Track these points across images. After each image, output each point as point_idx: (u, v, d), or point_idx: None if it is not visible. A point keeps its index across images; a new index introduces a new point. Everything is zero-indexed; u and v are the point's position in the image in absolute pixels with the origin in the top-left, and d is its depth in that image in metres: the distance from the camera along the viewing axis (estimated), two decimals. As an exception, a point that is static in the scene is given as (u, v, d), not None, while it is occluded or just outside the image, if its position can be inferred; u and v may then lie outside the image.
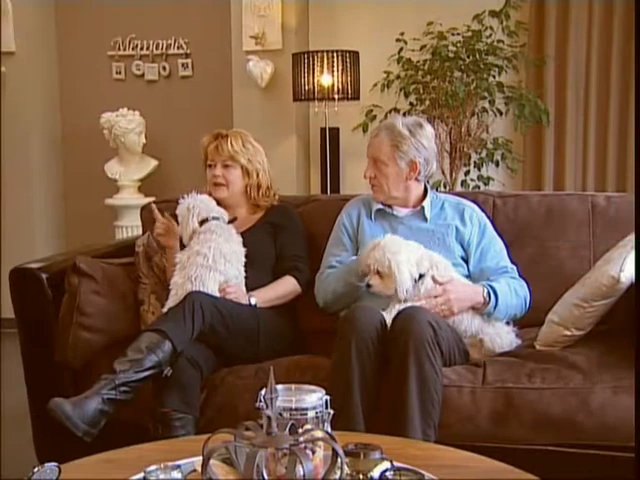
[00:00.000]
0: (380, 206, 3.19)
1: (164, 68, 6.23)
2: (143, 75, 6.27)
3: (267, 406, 1.66)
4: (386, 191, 3.14)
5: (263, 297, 3.12)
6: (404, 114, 4.85)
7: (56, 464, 1.74)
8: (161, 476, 1.76)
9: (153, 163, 5.97)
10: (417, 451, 2.09)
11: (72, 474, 1.80)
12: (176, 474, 1.78)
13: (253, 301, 3.08)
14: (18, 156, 6.11)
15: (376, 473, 1.76)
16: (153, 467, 1.79)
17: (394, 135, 3.09)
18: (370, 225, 3.18)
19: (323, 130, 5.45)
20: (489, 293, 2.92)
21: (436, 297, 2.85)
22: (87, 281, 3.10)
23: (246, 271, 3.16)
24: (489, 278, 3.00)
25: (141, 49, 6.26)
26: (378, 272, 2.83)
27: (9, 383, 3.83)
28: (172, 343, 2.72)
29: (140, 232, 3.93)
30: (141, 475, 1.80)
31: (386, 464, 1.78)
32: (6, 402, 4.14)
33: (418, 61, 5.32)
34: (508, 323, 3.00)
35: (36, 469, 1.72)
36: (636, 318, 2.54)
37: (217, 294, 3.03)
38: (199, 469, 1.81)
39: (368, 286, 2.87)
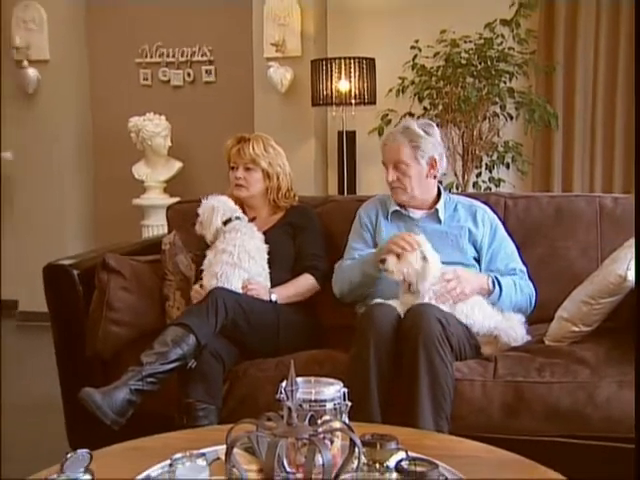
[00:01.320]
0: (397, 207, 3.18)
1: (189, 74, 6.25)
2: (169, 81, 6.30)
3: (288, 398, 1.66)
4: (409, 191, 3.11)
5: (283, 294, 3.13)
6: (418, 118, 4.85)
7: (87, 450, 1.75)
8: (187, 463, 1.77)
9: (178, 165, 5.99)
10: (432, 442, 2.10)
11: (103, 460, 1.81)
12: (201, 462, 1.78)
13: (274, 297, 3.08)
14: (50, 158, 6.16)
15: (392, 462, 1.76)
16: (179, 455, 1.80)
17: (412, 136, 3.09)
18: (386, 225, 3.18)
19: (340, 133, 5.46)
20: (494, 282, 2.95)
21: (448, 282, 2.85)
22: (116, 277, 3.12)
23: (270, 269, 3.18)
24: None
25: (167, 56, 6.29)
26: (398, 255, 2.81)
27: (42, 373, 3.86)
28: (196, 337, 2.73)
29: (165, 231, 3.94)
30: (167, 462, 1.81)
31: (401, 454, 1.78)
32: (39, 391, 4.18)
33: (432, 67, 5.31)
34: (526, 321, 3.00)
35: (69, 455, 1.73)
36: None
37: (240, 291, 3.04)
38: (223, 457, 1.82)
39: (381, 262, 2.82)
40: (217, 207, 3.22)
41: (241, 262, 3.08)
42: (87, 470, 1.73)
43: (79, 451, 1.74)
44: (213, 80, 6.22)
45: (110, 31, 6.34)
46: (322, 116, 5.76)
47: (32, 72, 6.04)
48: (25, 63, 6.03)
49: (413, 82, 5.31)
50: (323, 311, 3.27)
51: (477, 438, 2.12)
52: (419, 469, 1.69)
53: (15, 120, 6.20)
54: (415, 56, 5.37)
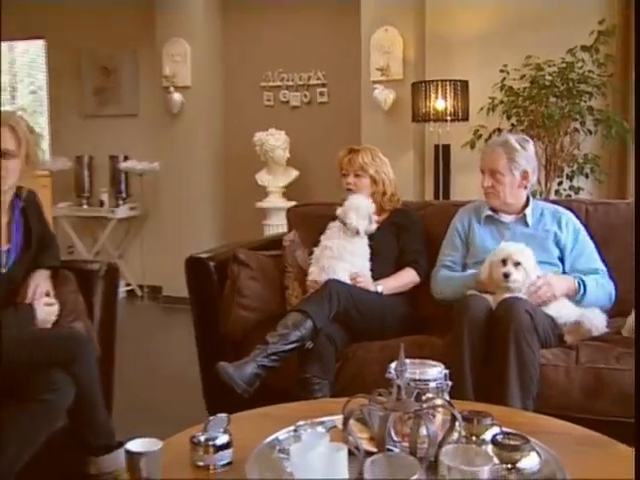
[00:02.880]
0: (489, 213, 3.13)
1: (305, 96, 6.28)
2: (288, 102, 6.33)
3: (397, 377, 1.66)
4: (502, 197, 3.07)
5: (388, 285, 3.12)
6: (511, 130, 4.77)
7: (227, 414, 1.79)
8: (308, 429, 1.78)
9: (295, 173, 6.02)
10: (521, 419, 2.06)
11: (237, 423, 1.84)
12: (320, 428, 1.80)
13: (379, 289, 3.08)
14: (190, 167, 6.31)
15: (487, 436, 1.74)
16: (302, 422, 1.82)
17: (509, 149, 3.04)
18: (480, 229, 3.13)
19: (437, 146, 5.39)
20: (579, 284, 2.87)
21: (539, 288, 2.78)
22: (245, 269, 3.17)
23: (373, 263, 3.16)
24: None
25: (287, 81, 6.33)
26: (518, 264, 2.77)
27: (184, 349, 3.96)
28: (313, 322, 2.76)
29: (283, 230, 3.98)
30: (292, 428, 1.83)
31: (496, 429, 1.76)
32: (180, 364, 4.28)
33: (519, 88, 5.20)
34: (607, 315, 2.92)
35: (211, 418, 1.77)
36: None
37: (348, 281, 3.04)
38: (339, 426, 1.83)
39: (505, 276, 2.75)
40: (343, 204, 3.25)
41: (342, 256, 3.10)
42: (226, 431, 1.76)
43: (219, 415, 1.78)
44: (326, 101, 6.23)
45: (240, 61, 6.44)
46: (420, 131, 5.71)
47: (177, 96, 6.21)
48: (172, 89, 6.21)
49: (502, 101, 5.22)
50: (422, 301, 3.22)
51: (559, 416, 2.09)
52: (512, 442, 1.66)
53: (163, 136, 6.40)
54: (504, 78, 5.26)
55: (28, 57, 10.06)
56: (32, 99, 10.30)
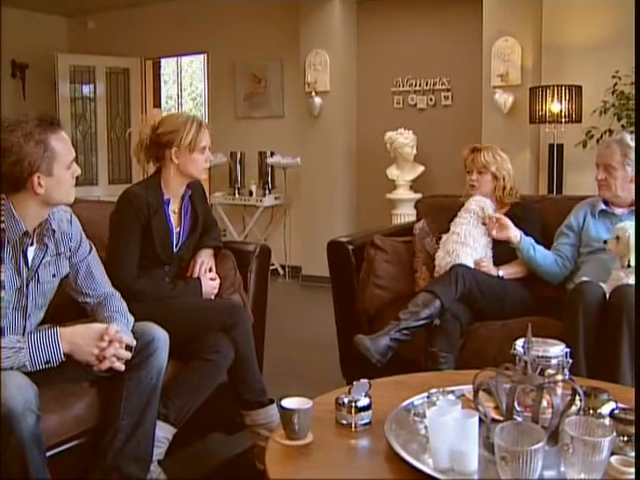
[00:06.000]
0: (603, 207, 3.02)
1: (431, 99, 6.20)
2: (416, 105, 6.27)
3: (525, 353, 1.63)
4: (613, 190, 2.96)
5: (508, 271, 3.05)
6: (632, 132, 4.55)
7: (368, 380, 1.81)
8: (440, 397, 1.78)
9: (421, 168, 5.96)
10: (633, 396, 1.98)
11: (376, 388, 1.86)
12: (451, 396, 1.80)
13: (501, 273, 3.02)
14: (327, 162, 6.37)
15: (604, 410, 1.69)
16: (434, 390, 1.83)
17: (624, 146, 2.92)
18: (594, 222, 3.02)
19: (551, 146, 5.22)
20: None
21: None
22: (380, 253, 3.16)
23: (495, 251, 3.10)
24: None
25: (414, 86, 6.26)
26: (618, 238, 2.68)
27: (321, 321, 4.02)
28: (441, 301, 2.74)
29: (409, 218, 3.93)
30: (425, 394, 1.84)
31: (612, 404, 1.71)
32: (318, 334, 4.36)
33: (630, 92, 4.96)
34: None
35: (355, 382, 1.80)
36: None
37: (472, 265, 3.00)
38: (466, 394, 1.83)
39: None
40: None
41: (467, 241, 3.05)
42: (367, 394, 1.79)
43: (362, 380, 1.80)
44: (450, 104, 6.13)
45: (372, 69, 6.44)
46: (536, 131, 5.53)
47: (317, 100, 6.28)
48: (313, 94, 6.29)
49: (613, 105, 5.01)
50: (538, 285, 3.10)
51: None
52: (629, 417, 1.61)
53: (304, 134, 6.49)
54: (615, 83, 5.05)
55: (191, 70, 10.48)
56: (193, 105, 10.76)
